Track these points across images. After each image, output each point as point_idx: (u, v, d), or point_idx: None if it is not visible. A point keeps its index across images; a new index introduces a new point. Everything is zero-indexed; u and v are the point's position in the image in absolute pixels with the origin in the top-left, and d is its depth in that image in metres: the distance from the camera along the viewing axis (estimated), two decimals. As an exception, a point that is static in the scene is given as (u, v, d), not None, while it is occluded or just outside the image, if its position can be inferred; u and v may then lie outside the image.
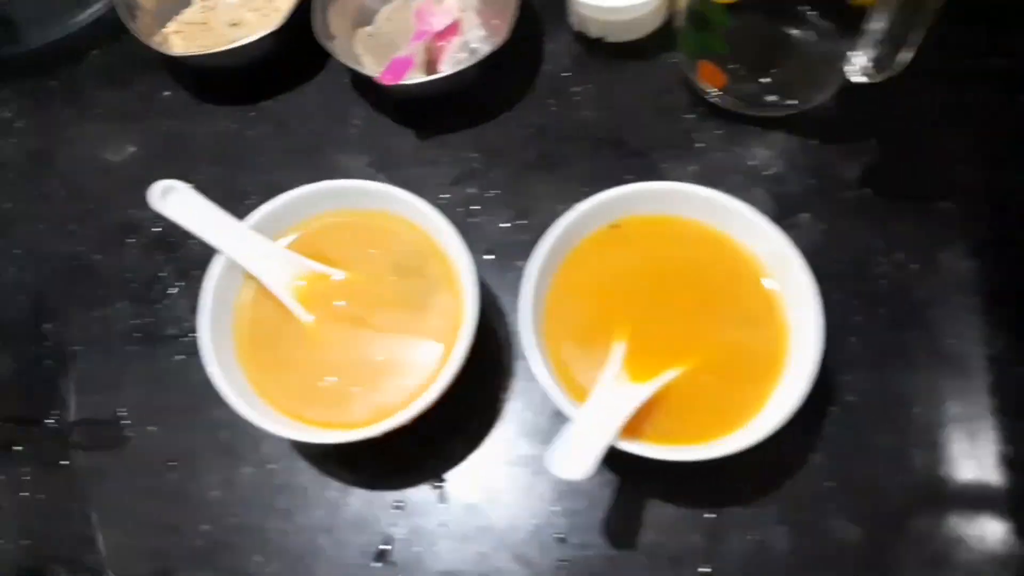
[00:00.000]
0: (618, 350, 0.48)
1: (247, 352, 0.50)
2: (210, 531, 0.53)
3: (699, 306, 0.50)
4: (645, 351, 0.48)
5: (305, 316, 0.51)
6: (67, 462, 0.56)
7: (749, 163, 0.60)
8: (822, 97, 0.60)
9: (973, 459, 0.50)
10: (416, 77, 0.59)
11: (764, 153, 0.60)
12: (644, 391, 0.46)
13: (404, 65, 0.58)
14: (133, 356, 0.58)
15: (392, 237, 0.53)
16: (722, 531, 0.50)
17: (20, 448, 0.57)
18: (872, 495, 0.50)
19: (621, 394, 0.46)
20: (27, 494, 0.55)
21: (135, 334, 0.59)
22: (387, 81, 0.57)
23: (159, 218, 0.62)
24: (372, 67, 0.62)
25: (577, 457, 0.41)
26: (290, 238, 0.53)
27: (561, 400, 0.45)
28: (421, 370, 0.49)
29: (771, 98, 0.59)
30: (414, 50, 0.60)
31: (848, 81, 0.58)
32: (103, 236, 0.63)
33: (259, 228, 0.51)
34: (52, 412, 0.57)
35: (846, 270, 0.56)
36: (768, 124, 0.61)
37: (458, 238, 0.50)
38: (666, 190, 0.51)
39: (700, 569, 0.49)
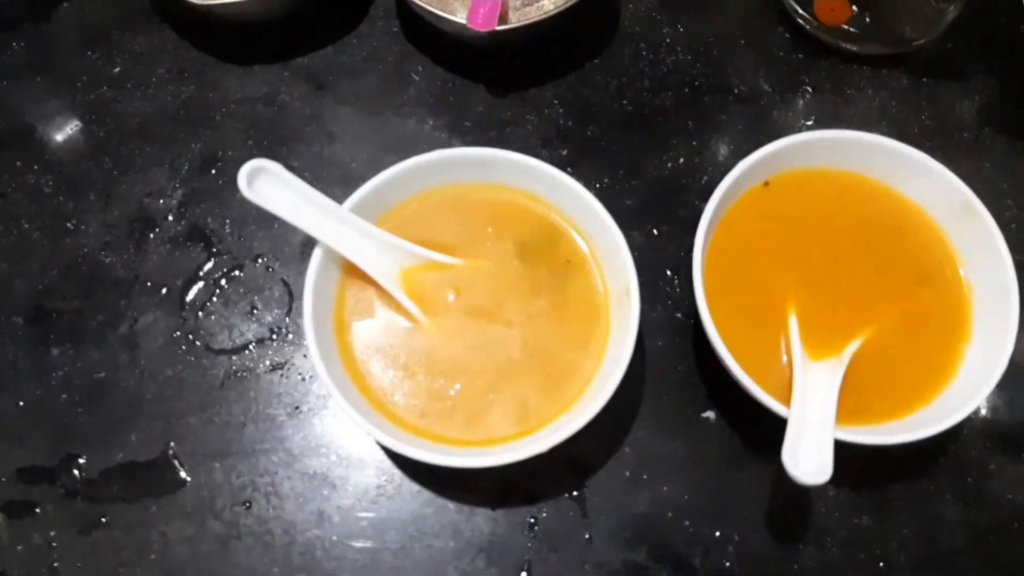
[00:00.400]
0: (793, 326, 0.42)
1: (359, 361, 0.41)
2: (307, 578, 0.44)
3: (871, 267, 0.45)
4: (821, 323, 0.43)
5: (420, 313, 0.42)
6: (105, 519, 0.45)
7: (863, 105, 0.55)
8: (934, 33, 0.55)
9: None
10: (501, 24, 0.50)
11: (877, 94, 0.55)
12: (839, 369, 0.41)
13: (493, 8, 0.49)
14: (175, 379, 0.48)
15: (511, 214, 0.45)
16: (891, 509, 0.46)
17: (39, 510, 0.45)
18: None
19: (818, 375, 0.40)
20: (57, 564, 0.44)
21: (176, 350, 0.48)
22: (479, 27, 0.48)
23: (184, 206, 0.52)
24: (440, 12, 0.52)
25: (817, 458, 0.36)
26: (391, 223, 0.44)
27: (760, 392, 0.39)
28: (570, 369, 0.42)
29: (882, 35, 0.54)
30: (498, -11, 0.51)
31: (957, 17, 0.54)
32: (114, 233, 0.51)
33: (358, 212, 0.42)
34: (77, 459, 0.46)
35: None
36: (878, 63, 0.56)
37: (602, 208, 0.42)
38: (826, 139, 0.45)
39: (875, 552, 0.45)
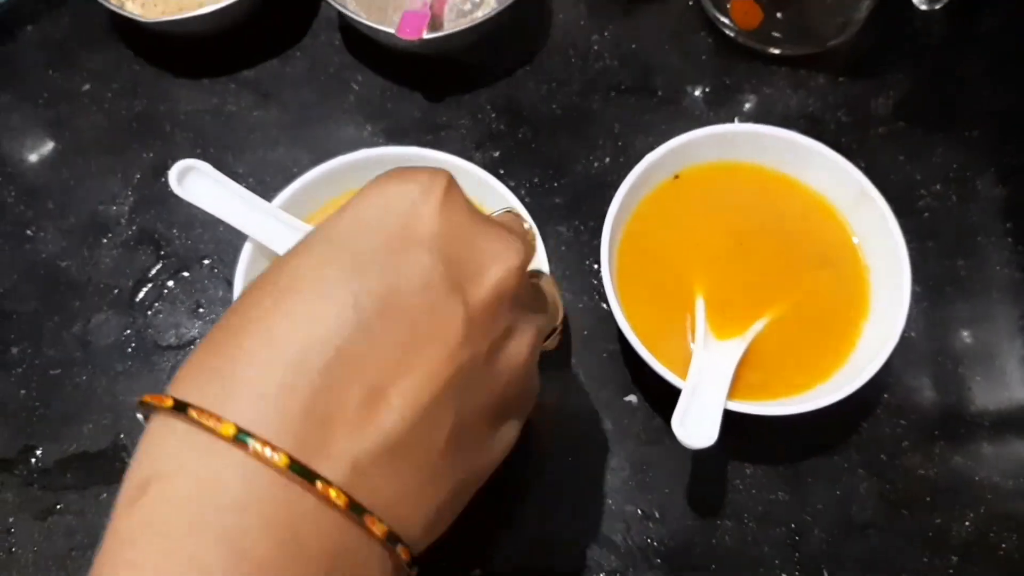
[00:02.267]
0: (700, 308, 0.45)
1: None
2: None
3: (774, 252, 0.47)
4: (727, 306, 0.46)
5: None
6: (60, 505, 0.47)
7: (782, 104, 0.58)
8: (847, 33, 0.58)
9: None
10: (428, 33, 0.53)
11: (795, 93, 0.58)
12: (740, 346, 0.43)
13: (421, 19, 0.52)
14: (125, 374, 0.50)
15: (435, 208, 0.47)
16: (805, 484, 0.48)
17: (-3, 497, 0.48)
18: (942, 427, 0.49)
19: (719, 352, 0.43)
20: (15, 549, 0.47)
21: (126, 348, 0.51)
22: (407, 36, 0.51)
23: (135, 213, 0.55)
24: (371, 23, 0.55)
25: (701, 425, 0.38)
26: (322, 218, 0.46)
27: (662, 370, 0.42)
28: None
29: (796, 36, 0.57)
30: (426, 2, 0.54)
31: (869, 16, 0.57)
32: (69, 239, 0.54)
33: (289, 209, 0.44)
34: (34, 450, 0.49)
35: (890, 206, 0.55)
36: (795, 63, 0.59)
37: (516, 201, 0.45)
38: (732, 132, 0.48)
39: (791, 525, 0.47)
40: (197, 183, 0.42)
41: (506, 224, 0.30)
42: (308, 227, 0.45)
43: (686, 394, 0.39)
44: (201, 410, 0.22)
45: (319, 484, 0.22)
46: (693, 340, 0.44)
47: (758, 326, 0.45)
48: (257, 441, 0.21)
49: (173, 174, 0.41)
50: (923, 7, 0.48)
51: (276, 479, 0.22)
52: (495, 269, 0.26)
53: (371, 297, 0.24)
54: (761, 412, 0.42)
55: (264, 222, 0.44)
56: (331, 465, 0.22)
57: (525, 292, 0.29)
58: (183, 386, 0.24)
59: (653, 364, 0.42)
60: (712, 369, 0.41)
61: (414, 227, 0.25)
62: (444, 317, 0.25)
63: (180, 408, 0.22)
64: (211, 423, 0.22)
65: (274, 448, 0.22)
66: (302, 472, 0.22)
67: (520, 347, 0.28)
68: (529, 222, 0.45)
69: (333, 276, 0.24)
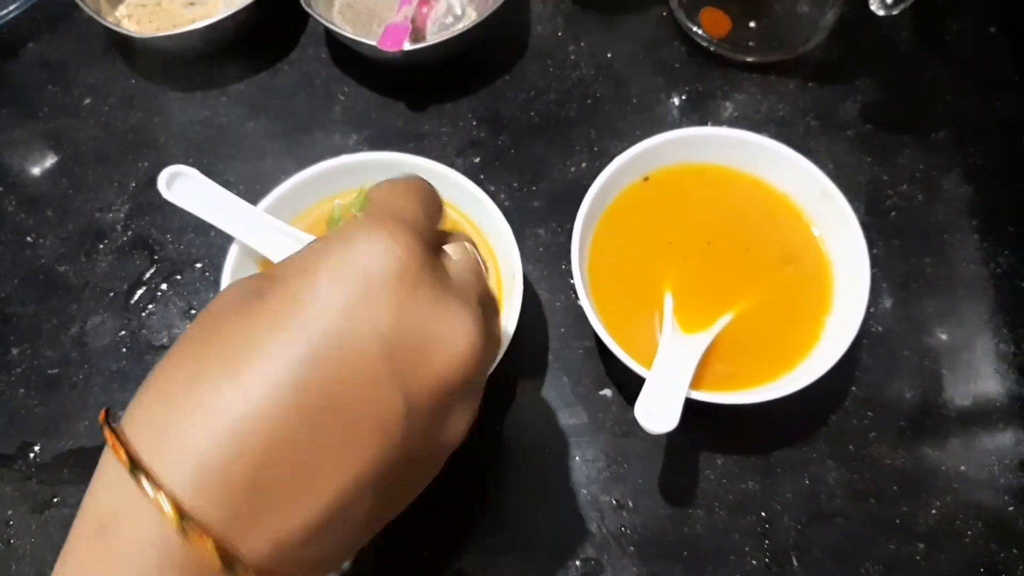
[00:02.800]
0: (668, 303, 0.47)
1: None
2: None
3: (740, 250, 0.49)
4: (694, 301, 0.47)
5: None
6: (57, 499, 0.49)
7: (753, 109, 0.60)
8: (815, 40, 0.60)
9: (996, 372, 0.52)
10: (410, 44, 0.56)
11: (766, 99, 0.60)
12: (705, 339, 0.45)
13: (402, 31, 0.54)
14: (120, 373, 0.52)
15: (414, 211, 0.49)
16: (775, 474, 0.49)
17: (-3, 491, 0.50)
18: (909, 419, 0.51)
19: (684, 345, 0.45)
20: (13, 540, 0.49)
21: (121, 349, 0.53)
22: (388, 48, 0.53)
23: (131, 219, 0.57)
24: (355, 36, 0.58)
25: (663, 411, 0.40)
26: (306, 221, 0.49)
27: (629, 361, 0.43)
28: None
29: (766, 43, 0.59)
30: (407, 15, 0.57)
31: (837, 24, 0.59)
32: (67, 245, 0.56)
33: (273, 212, 0.47)
34: (32, 446, 0.51)
35: (858, 206, 0.57)
36: (767, 70, 0.61)
37: (489, 201, 0.47)
38: (699, 136, 0.50)
39: (761, 514, 0.48)
40: (185, 188, 0.44)
41: (461, 286, 0.29)
42: (292, 229, 0.47)
43: (650, 383, 0.41)
44: (149, 474, 0.23)
45: (239, 569, 0.24)
46: (661, 334, 0.46)
47: (724, 320, 0.47)
48: (192, 525, 0.23)
49: (162, 179, 0.43)
50: (880, 12, 0.50)
51: (201, 556, 0.23)
52: (441, 359, 0.26)
53: (319, 387, 0.24)
54: (725, 401, 0.43)
55: (249, 225, 0.46)
56: (253, 544, 0.24)
57: (474, 374, 0.28)
58: (137, 427, 0.25)
59: (621, 356, 0.44)
60: (677, 360, 0.43)
61: (368, 313, 0.25)
62: (385, 414, 0.25)
63: (134, 466, 0.24)
64: (157, 496, 0.23)
65: (205, 531, 0.23)
66: (224, 558, 0.23)
67: (457, 428, 0.28)
68: (499, 218, 0.47)
69: (288, 356, 0.24)
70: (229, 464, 0.23)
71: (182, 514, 0.23)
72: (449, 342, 0.26)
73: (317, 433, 0.24)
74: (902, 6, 0.49)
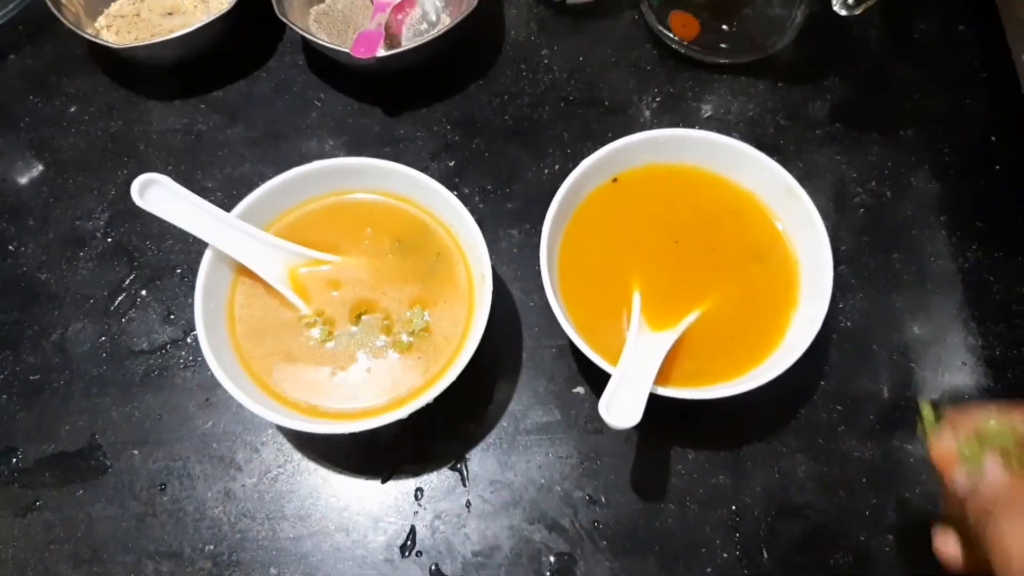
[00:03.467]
0: (636, 302, 0.48)
1: (248, 350, 0.47)
2: (216, 551, 0.49)
3: (708, 248, 0.50)
4: (662, 299, 0.48)
5: (304, 306, 0.48)
6: (39, 502, 0.50)
7: (723, 110, 0.61)
8: (783, 41, 0.61)
9: (963, 364, 0.53)
10: (384, 51, 0.56)
11: (736, 99, 0.61)
12: (671, 337, 0.46)
13: (374, 38, 0.55)
14: (100, 378, 0.53)
15: (387, 214, 0.50)
16: (746, 468, 0.50)
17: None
18: (877, 412, 0.52)
19: (651, 342, 0.45)
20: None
21: (101, 354, 0.54)
22: (360, 54, 0.54)
23: (111, 227, 0.58)
24: (329, 43, 0.58)
25: (627, 406, 0.40)
26: (279, 227, 0.50)
27: (595, 358, 0.44)
28: (437, 347, 0.47)
29: (736, 45, 0.60)
30: (380, 22, 0.58)
31: (806, 25, 0.60)
32: (48, 253, 0.57)
33: (246, 218, 0.48)
34: (15, 451, 0.52)
35: (827, 204, 0.58)
36: (736, 71, 0.62)
37: (458, 203, 0.48)
38: (666, 137, 0.51)
39: (731, 507, 0.49)
40: (158, 195, 0.45)
41: None
42: (265, 235, 0.48)
43: (615, 379, 0.42)
44: None
45: None
46: (628, 332, 0.47)
47: (691, 318, 0.47)
48: None
49: (135, 187, 0.44)
50: (843, 12, 0.51)
51: None
52: None
53: None
54: (692, 397, 0.44)
55: (223, 230, 0.46)
56: None
57: None
58: None
59: (588, 353, 0.44)
60: (643, 357, 0.44)
61: None
62: None
63: None
64: None
65: None
66: None
67: None
68: (469, 220, 0.47)
69: None
70: None
71: None
72: None
73: None
74: (864, 6, 0.50)
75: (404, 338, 0.48)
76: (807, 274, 0.49)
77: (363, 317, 0.48)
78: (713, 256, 0.50)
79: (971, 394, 0.52)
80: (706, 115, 0.61)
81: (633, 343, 0.44)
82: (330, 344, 0.47)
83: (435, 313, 0.48)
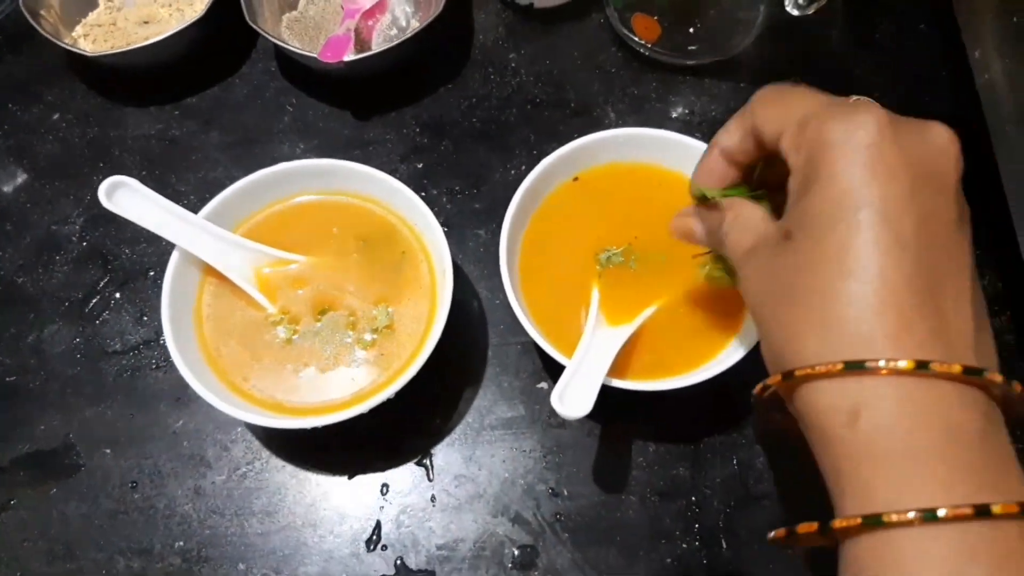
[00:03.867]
0: (595, 297, 0.49)
1: (216, 349, 0.48)
2: (186, 547, 0.50)
3: (666, 245, 0.51)
4: (620, 295, 0.49)
5: (271, 306, 0.49)
6: (14, 501, 0.51)
7: (686, 110, 0.62)
8: (745, 42, 0.62)
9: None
10: (352, 55, 0.58)
11: (699, 100, 0.62)
12: (626, 331, 0.47)
13: (343, 43, 0.56)
14: (74, 379, 0.54)
15: (353, 215, 0.52)
16: (705, 460, 0.51)
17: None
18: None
19: (606, 336, 0.46)
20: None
21: (76, 355, 0.55)
22: (328, 59, 0.55)
23: (86, 231, 0.59)
24: (297, 49, 0.60)
25: (578, 397, 0.41)
26: (247, 228, 0.51)
27: (552, 351, 0.45)
28: (400, 344, 0.48)
29: (700, 46, 0.61)
30: (349, 28, 0.59)
31: (766, 26, 0.61)
32: (25, 257, 0.58)
33: (214, 219, 0.49)
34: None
35: (789, 201, 0.58)
36: (700, 72, 0.63)
37: (422, 204, 0.49)
38: (625, 136, 0.52)
39: (691, 498, 0.50)
40: (125, 197, 0.46)
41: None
42: (232, 236, 0.49)
43: (568, 371, 0.43)
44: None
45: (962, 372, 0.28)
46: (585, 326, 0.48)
47: (647, 313, 0.48)
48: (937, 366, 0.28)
49: (103, 189, 0.45)
50: (795, 12, 0.52)
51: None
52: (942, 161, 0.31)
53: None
54: (648, 388, 0.45)
55: (189, 231, 0.48)
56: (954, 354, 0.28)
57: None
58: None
59: (546, 348, 0.45)
60: (597, 350, 0.45)
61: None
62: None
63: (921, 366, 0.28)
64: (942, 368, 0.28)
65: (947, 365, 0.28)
66: (971, 372, 0.28)
67: None
68: (432, 219, 0.49)
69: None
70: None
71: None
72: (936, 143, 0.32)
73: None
74: (815, 5, 0.51)
75: (368, 335, 0.49)
76: (762, 269, 0.50)
77: (328, 315, 0.49)
78: (671, 252, 0.51)
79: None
80: (670, 115, 0.62)
81: (588, 337, 0.45)
82: (296, 340, 0.49)
83: (399, 310, 0.49)
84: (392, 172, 0.58)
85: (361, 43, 0.62)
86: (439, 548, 0.49)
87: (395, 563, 0.49)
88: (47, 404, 0.54)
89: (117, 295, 0.57)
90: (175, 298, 0.47)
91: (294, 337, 0.49)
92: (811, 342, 0.30)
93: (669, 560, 0.48)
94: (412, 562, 0.49)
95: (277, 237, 0.51)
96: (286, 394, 0.47)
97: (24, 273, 0.58)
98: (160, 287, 0.56)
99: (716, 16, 0.61)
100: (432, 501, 0.50)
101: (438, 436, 0.52)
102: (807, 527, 0.31)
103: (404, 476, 0.51)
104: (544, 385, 0.53)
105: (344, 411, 0.45)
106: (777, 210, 0.36)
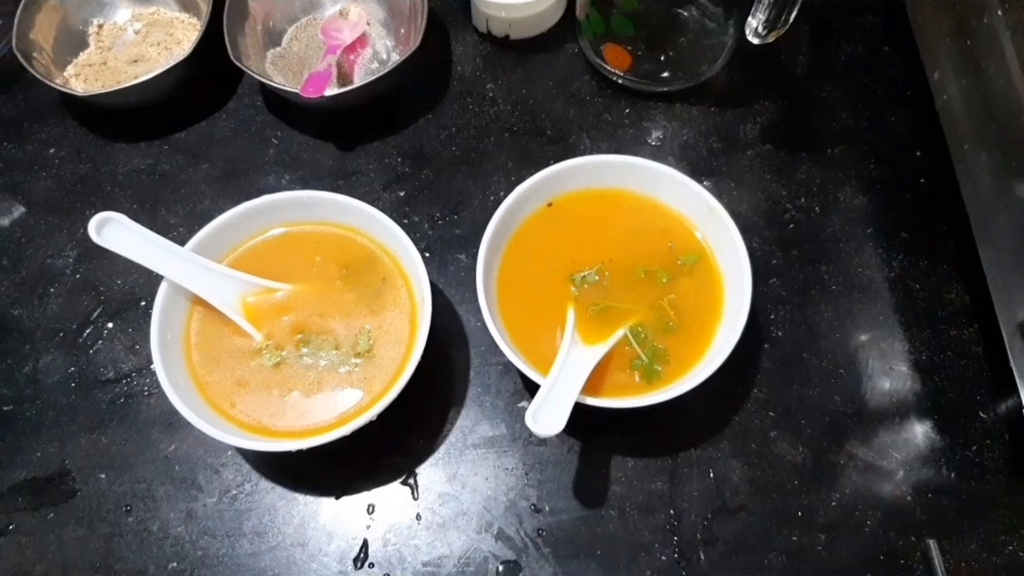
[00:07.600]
0: (570, 318, 0.51)
1: (204, 376, 0.50)
2: (179, 568, 0.51)
3: (639, 266, 0.53)
4: (595, 315, 0.51)
5: (257, 333, 0.51)
6: (12, 526, 0.53)
7: (658, 135, 0.64)
8: (714, 69, 0.64)
9: (891, 369, 0.56)
10: (334, 89, 0.60)
11: (671, 125, 0.64)
12: (600, 351, 0.49)
13: (324, 78, 0.59)
14: (69, 407, 0.56)
15: (336, 244, 0.54)
16: (682, 474, 0.53)
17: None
18: (809, 417, 0.54)
19: (580, 356, 0.48)
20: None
21: (71, 384, 0.57)
22: (309, 94, 0.57)
23: (79, 263, 0.61)
24: (279, 84, 0.62)
25: (552, 415, 0.43)
26: (233, 258, 0.53)
27: (528, 371, 0.47)
28: (382, 366, 0.50)
29: (670, 74, 0.64)
30: (330, 63, 0.61)
31: (735, 52, 0.64)
32: (21, 290, 0.60)
33: (201, 251, 0.51)
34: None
35: (758, 220, 0.61)
36: (671, 98, 0.65)
37: (401, 232, 0.51)
38: (596, 163, 0.54)
39: (669, 512, 0.51)
40: (114, 232, 0.48)
41: None
42: (219, 267, 0.51)
43: (542, 391, 0.44)
44: None
45: None
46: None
47: (620, 333, 0.50)
48: None
49: (92, 225, 0.47)
50: (755, 41, 0.54)
51: None
52: None
53: None
54: (622, 406, 0.47)
55: (177, 263, 0.50)
56: None
57: None
58: None
59: (523, 367, 0.47)
60: (571, 370, 0.47)
61: None
62: None
63: None
64: None
65: None
66: None
67: None
68: (411, 248, 0.51)
69: None
70: None
71: None
72: None
73: None
74: (775, 34, 0.54)
75: (351, 359, 0.51)
76: (731, 288, 0.51)
77: (312, 340, 0.51)
78: (644, 272, 0.52)
79: (898, 396, 0.55)
80: (643, 141, 0.64)
81: (563, 357, 0.47)
82: (281, 367, 0.50)
83: (380, 335, 0.51)
84: (375, 200, 0.60)
85: (344, 77, 0.64)
86: (425, 565, 0.50)
87: (381, 580, 0.50)
88: (43, 432, 0.55)
89: (110, 325, 0.58)
90: (164, 328, 0.49)
91: (279, 363, 0.50)
92: None
93: (649, 572, 0.50)
94: (398, 579, 0.50)
95: (262, 266, 0.53)
96: (272, 418, 0.49)
97: (20, 305, 0.60)
98: (151, 316, 0.58)
99: (685, 44, 0.63)
100: (417, 519, 0.52)
101: (422, 456, 0.54)
102: None
103: (390, 495, 0.53)
104: (525, 404, 0.55)
105: (328, 434, 0.46)
106: None
